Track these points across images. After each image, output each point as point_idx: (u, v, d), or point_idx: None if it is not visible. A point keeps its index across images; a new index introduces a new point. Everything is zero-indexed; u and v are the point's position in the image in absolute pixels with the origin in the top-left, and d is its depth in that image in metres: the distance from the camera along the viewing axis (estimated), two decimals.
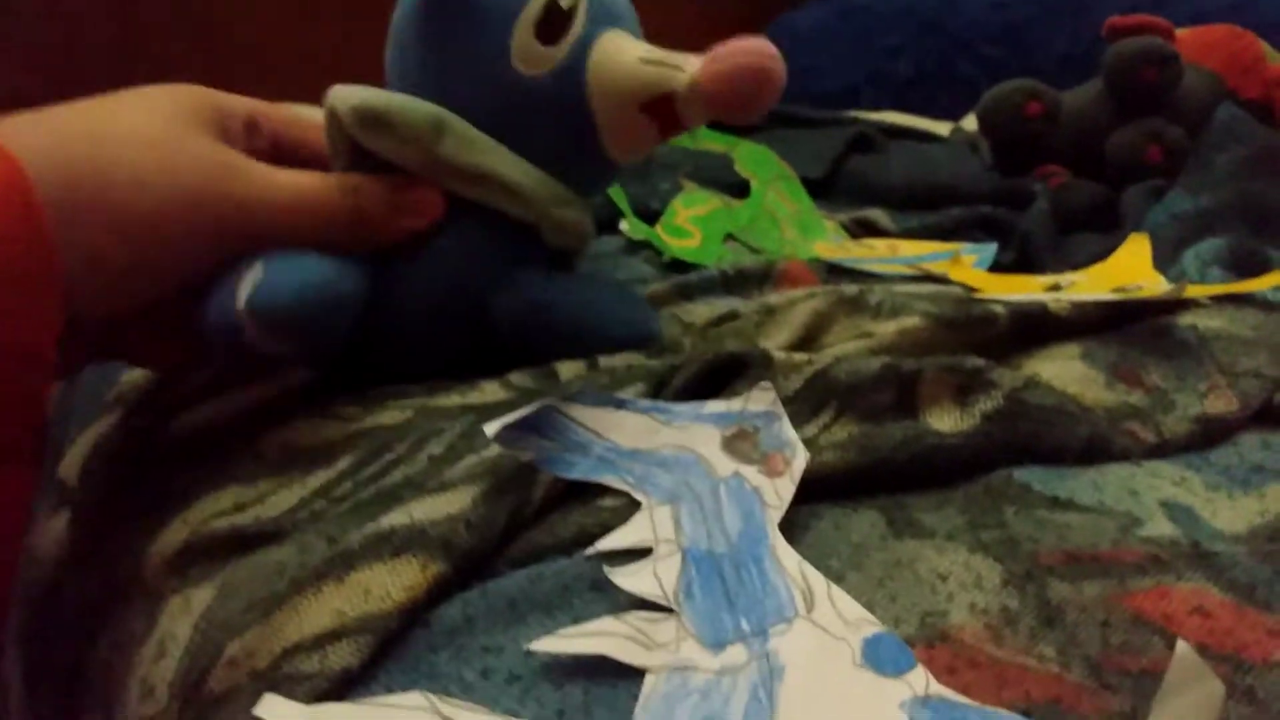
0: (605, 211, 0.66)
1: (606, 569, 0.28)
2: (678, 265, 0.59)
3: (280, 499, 0.33)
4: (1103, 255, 0.55)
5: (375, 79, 0.40)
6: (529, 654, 0.25)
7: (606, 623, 0.26)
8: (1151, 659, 0.25)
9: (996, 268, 0.61)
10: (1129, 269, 0.52)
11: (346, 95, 0.37)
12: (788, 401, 0.34)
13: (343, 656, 0.26)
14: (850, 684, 0.24)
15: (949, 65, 1.33)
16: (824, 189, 0.80)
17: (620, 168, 0.43)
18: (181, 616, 0.30)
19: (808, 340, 0.43)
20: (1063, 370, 0.38)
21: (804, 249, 0.64)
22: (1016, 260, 0.64)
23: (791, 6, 1.55)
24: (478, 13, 0.38)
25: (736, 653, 0.25)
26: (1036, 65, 0.90)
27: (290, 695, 0.24)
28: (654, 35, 0.41)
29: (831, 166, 0.83)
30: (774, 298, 0.46)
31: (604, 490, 0.31)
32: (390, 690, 0.25)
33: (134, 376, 0.44)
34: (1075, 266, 0.57)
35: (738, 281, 0.53)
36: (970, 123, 0.99)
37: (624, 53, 0.39)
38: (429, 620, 0.27)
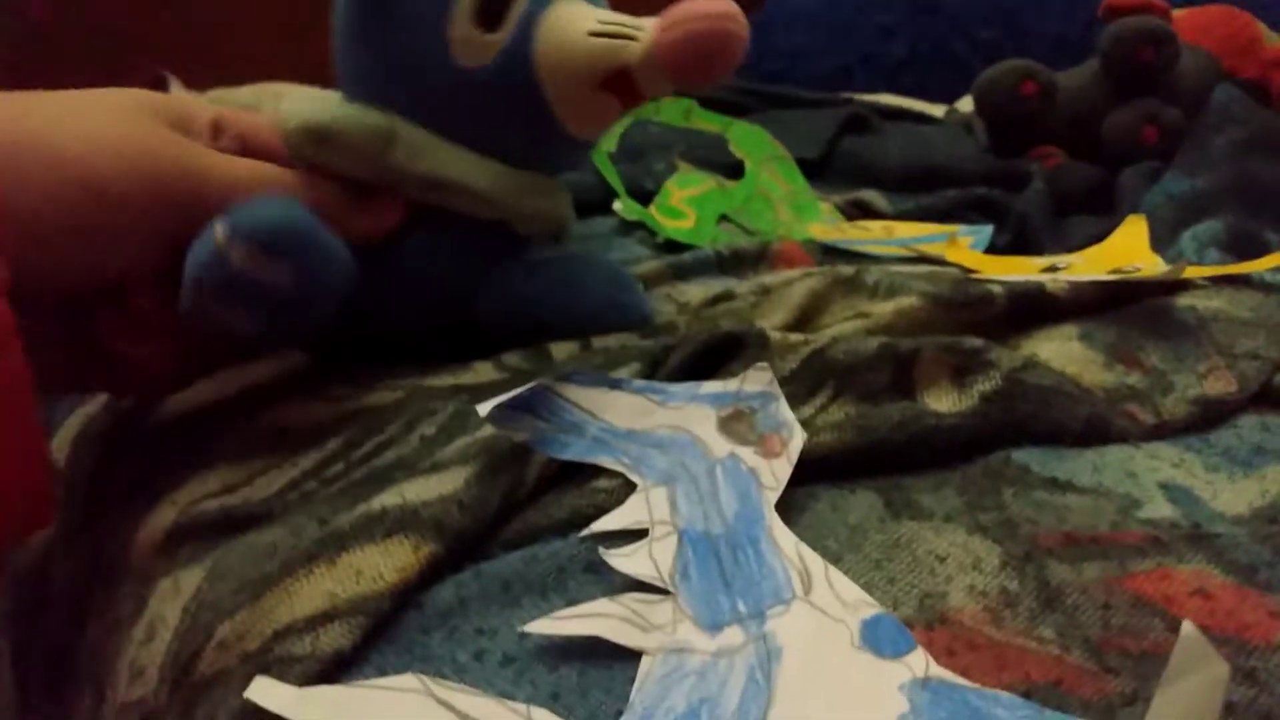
0: (599, 192, 0.65)
1: (602, 551, 0.27)
2: (672, 246, 0.59)
3: (270, 480, 0.33)
4: (1099, 237, 0.55)
5: None
6: (523, 636, 0.25)
7: (602, 604, 0.26)
8: (1153, 641, 0.24)
9: (992, 250, 0.60)
10: (1126, 251, 0.51)
11: (292, 113, 0.36)
12: (784, 382, 0.34)
13: (334, 638, 0.25)
14: (849, 666, 0.24)
15: (943, 47, 1.32)
16: (819, 170, 0.80)
17: (592, 141, 0.41)
18: (171, 599, 0.30)
19: (804, 320, 0.42)
20: (1061, 351, 0.38)
21: (799, 230, 0.63)
22: (1012, 242, 0.64)
23: None
24: (406, 7, 0.36)
25: (733, 635, 0.25)
26: (1031, 48, 0.89)
27: (281, 678, 0.24)
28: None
29: (826, 147, 0.83)
30: (770, 278, 0.46)
31: (599, 471, 0.31)
32: (383, 672, 0.25)
33: None
34: (1072, 248, 0.57)
35: (733, 262, 0.53)
36: (965, 104, 0.99)
37: (572, 27, 0.36)
38: (422, 602, 0.27)
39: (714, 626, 0.25)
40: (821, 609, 0.25)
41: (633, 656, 0.24)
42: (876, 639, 0.24)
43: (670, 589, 0.26)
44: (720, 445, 0.31)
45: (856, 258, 0.57)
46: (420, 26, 0.36)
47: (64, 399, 0.47)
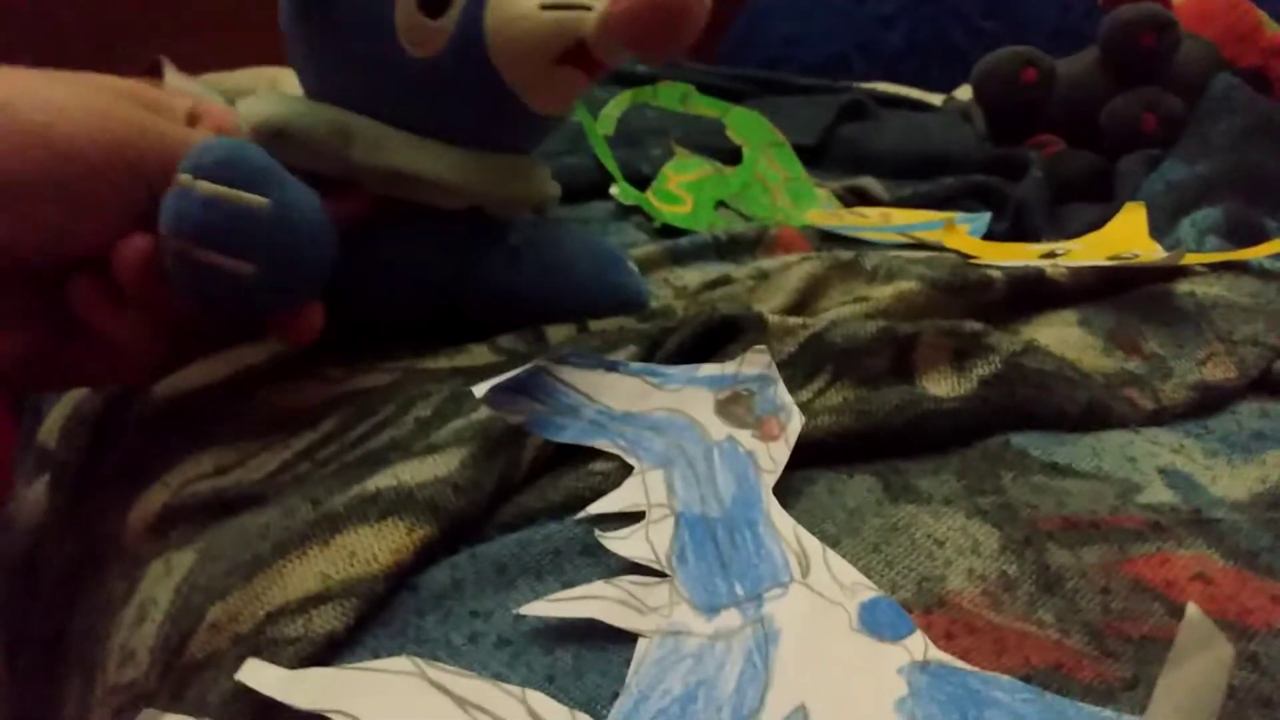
0: (596, 176, 0.65)
1: (598, 533, 0.27)
2: (669, 231, 0.58)
3: (263, 461, 0.32)
4: (1098, 224, 0.55)
5: None
6: (519, 618, 0.25)
7: (598, 587, 0.25)
8: (1153, 625, 0.24)
9: (990, 237, 0.60)
10: (1125, 238, 0.51)
11: (248, 114, 0.35)
12: (782, 365, 0.34)
13: (328, 620, 0.25)
14: (847, 649, 0.23)
15: (942, 36, 1.32)
16: (816, 156, 0.79)
17: (563, 116, 0.40)
18: (162, 580, 0.30)
19: (802, 304, 0.42)
20: (1060, 336, 0.38)
21: (796, 216, 0.63)
22: (1010, 230, 0.63)
23: None
24: (346, 2, 0.35)
25: (730, 618, 0.24)
26: (1030, 39, 0.89)
27: (274, 660, 0.24)
28: None
29: (824, 134, 0.82)
30: (768, 262, 0.45)
31: (595, 454, 0.31)
32: (377, 655, 0.25)
33: None
34: (1070, 236, 0.57)
35: (730, 247, 0.53)
36: (963, 93, 0.98)
37: (521, 2, 0.34)
38: (416, 584, 0.27)
39: (711, 609, 0.25)
40: (819, 592, 0.25)
41: (629, 639, 0.24)
42: (875, 622, 0.24)
43: (667, 571, 0.26)
44: (718, 428, 0.31)
45: (854, 243, 0.56)
46: (365, 17, 0.35)
47: None
